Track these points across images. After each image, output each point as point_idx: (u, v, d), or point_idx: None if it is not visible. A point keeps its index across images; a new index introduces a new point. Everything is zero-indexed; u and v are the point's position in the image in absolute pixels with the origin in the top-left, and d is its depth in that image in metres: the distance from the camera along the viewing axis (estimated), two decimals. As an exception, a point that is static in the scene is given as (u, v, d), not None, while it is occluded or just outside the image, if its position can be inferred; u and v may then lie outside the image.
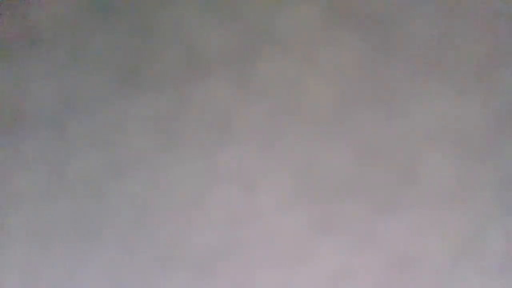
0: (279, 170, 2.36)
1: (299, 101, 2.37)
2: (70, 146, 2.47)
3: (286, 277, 2.34)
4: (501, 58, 2.27)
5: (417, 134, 2.30)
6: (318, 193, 2.33)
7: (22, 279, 2.46)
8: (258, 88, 2.39)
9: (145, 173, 2.43)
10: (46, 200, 2.46)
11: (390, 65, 2.33)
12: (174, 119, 2.42)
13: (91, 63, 2.49)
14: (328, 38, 2.36)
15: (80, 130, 2.47)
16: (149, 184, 2.42)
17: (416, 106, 2.30)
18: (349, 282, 2.30)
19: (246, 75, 2.39)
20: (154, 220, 2.41)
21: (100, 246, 2.43)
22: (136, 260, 2.41)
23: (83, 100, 2.48)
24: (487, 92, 2.27)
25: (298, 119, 2.36)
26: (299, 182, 2.35)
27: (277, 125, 2.37)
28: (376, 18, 2.34)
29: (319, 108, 2.36)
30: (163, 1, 2.46)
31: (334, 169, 2.33)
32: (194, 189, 2.40)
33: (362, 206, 2.31)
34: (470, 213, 2.26)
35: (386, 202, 2.30)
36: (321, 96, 2.36)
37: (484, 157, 2.26)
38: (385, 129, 2.31)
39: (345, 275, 2.30)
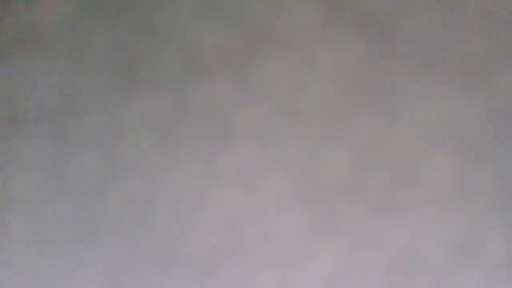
0: (279, 170, 2.36)
1: (299, 102, 2.37)
2: (70, 146, 2.47)
3: (286, 277, 2.34)
4: (501, 58, 2.27)
5: (417, 134, 2.30)
6: (318, 193, 2.33)
7: (22, 279, 2.46)
8: (258, 88, 2.39)
9: (145, 173, 2.43)
10: (46, 200, 2.46)
11: (390, 65, 2.33)
12: (174, 119, 2.42)
13: (91, 63, 2.48)
14: (328, 38, 2.36)
15: (80, 130, 2.47)
16: (149, 184, 2.42)
17: (416, 106, 2.30)
18: (349, 282, 2.29)
19: (246, 76, 2.39)
20: (154, 220, 2.41)
21: (100, 246, 2.43)
22: (136, 260, 2.41)
23: (83, 100, 2.48)
24: (487, 92, 2.27)
25: (298, 119, 2.36)
26: (299, 182, 2.35)
27: (277, 125, 2.37)
28: (376, 19, 2.34)
29: (319, 109, 2.36)
30: (163, 1, 2.46)
31: (334, 169, 2.33)
32: (194, 189, 2.40)
33: (362, 206, 2.31)
34: (470, 213, 2.26)
35: (386, 202, 2.30)
36: (321, 96, 2.36)
37: (484, 157, 2.26)
38: (385, 129, 2.31)
39: (345, 275, 2.30)
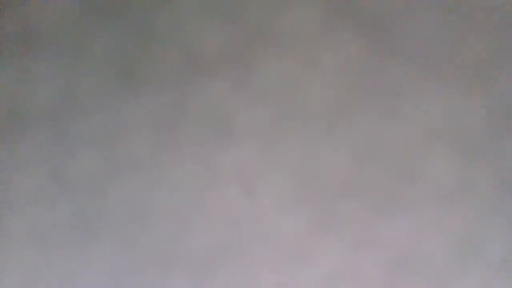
0: (279, 170, 2.36)
1: (299, 102, 2.37)
2: (70, 146, 2.47)
3: (286, 277, 2.34)
4: (501, 58, 2.27)
5: (417, 134, 2.30)
6: (318, 194, 2.33)
7: (22, 279, 2.46)
8: (258, 88, 2.39)
9: (145, 173, 2.43)
10: (46, 200, 2.46)
11: (390, 66, 2.33)
12: (174, 119, 2.43)
13: (91, 63, 2.49)
14: (328, 39, 2.37)
15: (80, 130, 2.47)
16: (149, 184, 2.42)
17: (416, 106, 2.30)
18: (349, 282, 2.29)
19: (246, 76, 2.40)
20: (154, 220, 2.41)
21: (100, 247, 2.43)
22: (136, 260, 2.41)
23: (83, 100, 2.48)
24: (487, 92, 2.27)
25: (298, 120, 2.36)
26: (299, 182, 2.35)
27: (277, 126, 2.37)
28: (376, 19, 2.34)
29: (319, 109, 2.36)
30: (163, 1, 2.46)
31: (334, 169, 2.33)
32: (194, 189, 2.40)
33: (362, 206, 2.31)
34: (470, 213, 2.26)
35: (386, 202, 2.30)
36: (321, 97, 2.36)
37: (484, 157, 2.26)
38: (385, 130, 2.32)
39: (345, 275, 2.30)
